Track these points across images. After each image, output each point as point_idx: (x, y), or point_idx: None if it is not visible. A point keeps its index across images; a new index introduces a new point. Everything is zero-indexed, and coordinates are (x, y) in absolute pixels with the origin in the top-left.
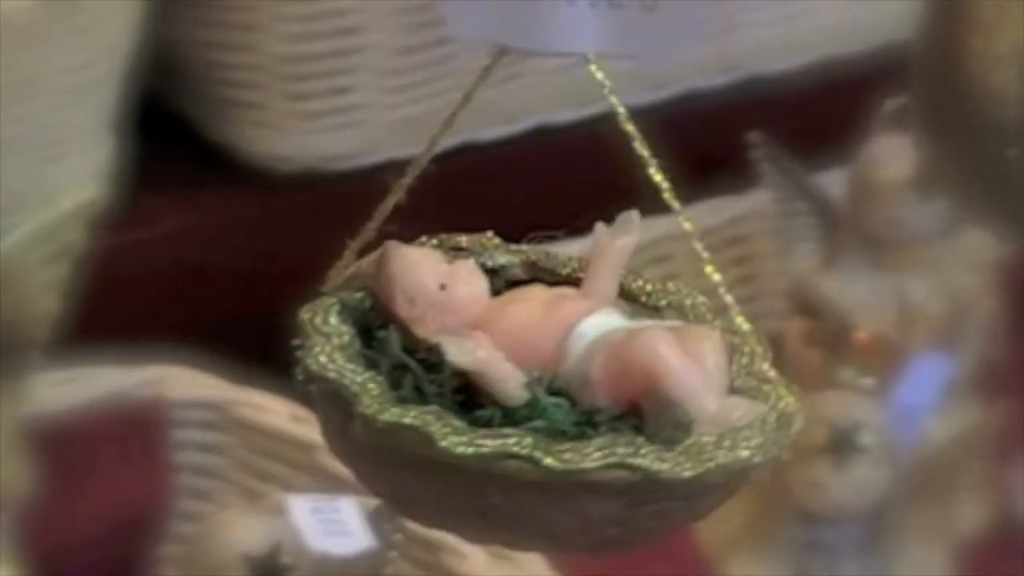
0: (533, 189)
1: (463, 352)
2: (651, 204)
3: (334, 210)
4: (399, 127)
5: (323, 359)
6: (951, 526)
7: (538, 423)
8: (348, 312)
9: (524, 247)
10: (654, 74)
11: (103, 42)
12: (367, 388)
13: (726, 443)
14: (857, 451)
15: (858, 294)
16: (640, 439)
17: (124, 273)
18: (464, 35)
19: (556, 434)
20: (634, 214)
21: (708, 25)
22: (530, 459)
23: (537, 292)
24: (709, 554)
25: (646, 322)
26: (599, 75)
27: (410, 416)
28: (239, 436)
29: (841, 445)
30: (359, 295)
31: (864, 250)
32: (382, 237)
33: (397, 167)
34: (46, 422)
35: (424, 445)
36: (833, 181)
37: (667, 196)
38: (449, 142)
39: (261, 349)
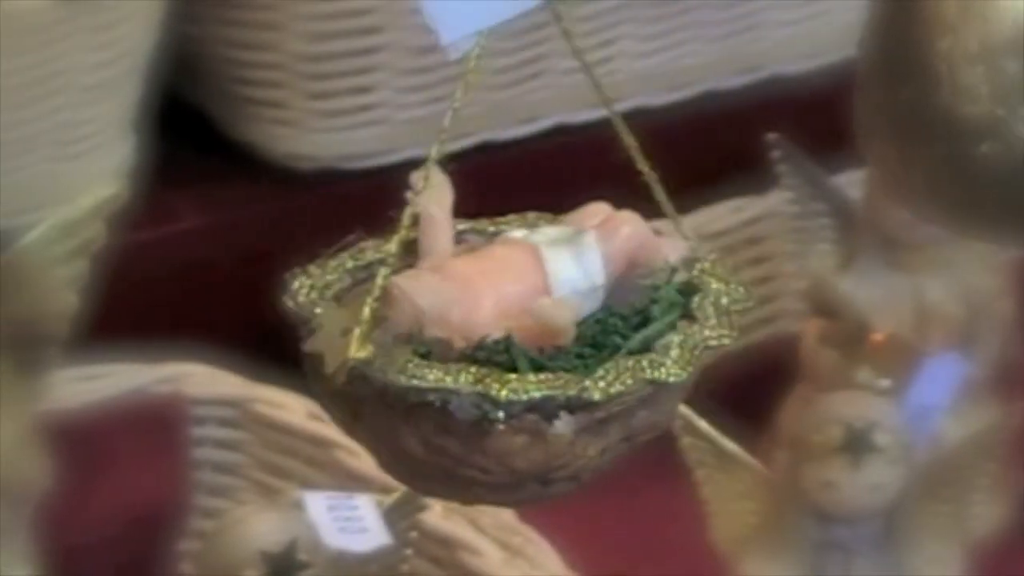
0: (551, 189)
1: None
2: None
3: (354, 208)
4: (419, 126)
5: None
6: (966, 526)
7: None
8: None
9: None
10: (674, 74)
11: (124, 40)
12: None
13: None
14: (872, 451)
15: (875, 295)
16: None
17: (144, 270)
18: (458, 39)
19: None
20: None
21: (728, 25)
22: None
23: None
24: (724, 552)
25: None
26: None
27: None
28: (257, 433)
29: (856, 445)
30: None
31: (881, 251)
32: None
33: (418, 166)
34: (65, 419)
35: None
36: (851, 182)
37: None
38: (467, 142)
39: (279, 347)
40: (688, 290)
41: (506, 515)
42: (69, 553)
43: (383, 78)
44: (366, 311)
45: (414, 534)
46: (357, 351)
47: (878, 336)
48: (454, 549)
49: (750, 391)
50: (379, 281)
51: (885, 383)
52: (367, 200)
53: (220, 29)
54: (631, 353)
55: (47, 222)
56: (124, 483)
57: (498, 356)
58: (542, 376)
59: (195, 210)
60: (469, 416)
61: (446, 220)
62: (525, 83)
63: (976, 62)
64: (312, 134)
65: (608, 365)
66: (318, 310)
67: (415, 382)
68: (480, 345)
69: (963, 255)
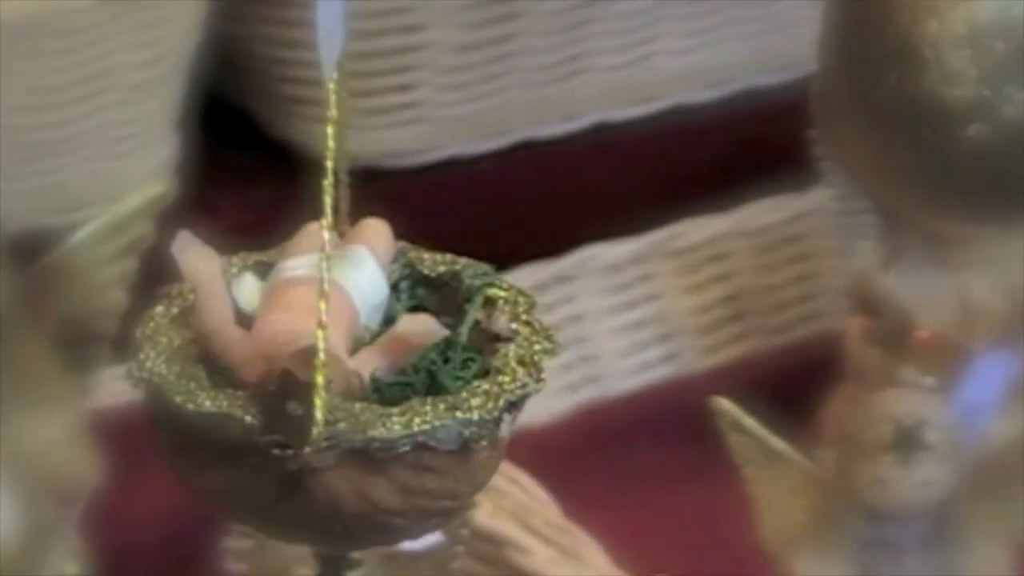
0: (590, 187)
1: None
2: (709, 202)
3: (396, 206)
4: (461, 124)
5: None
6: (1015, 524)
7: None
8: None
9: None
10: (714, 71)
11: (168, 40)
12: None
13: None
14: (922, 448)
15: (919, 292)
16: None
17: None
18: None
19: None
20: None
21: (768, 23)
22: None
23: None
24: (771, 551)
25: None
26: None
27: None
28: None
29: (906, 442)
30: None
31: (925, 248)
32: None
33: (459, 163)
34: (112, 416)
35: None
36: None
37: None
38: (507, 140)
39: None
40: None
41: (555, 514)
42: (116, 550)
43: (425, 76)
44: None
45: (464, 532)
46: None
47: (922, 334)
48: (502, 547)
49: (791, 389)
50: (320, 346)
51: (930, 381)
52: (409, 198)
53: (262, 28)
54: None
55: (97, 220)
56: (169, 480)
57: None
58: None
59: (237, 208)
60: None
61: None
62: (567, 81)
63: (963, 45)
64: (353, 132)
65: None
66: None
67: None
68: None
69: (1008, 251)
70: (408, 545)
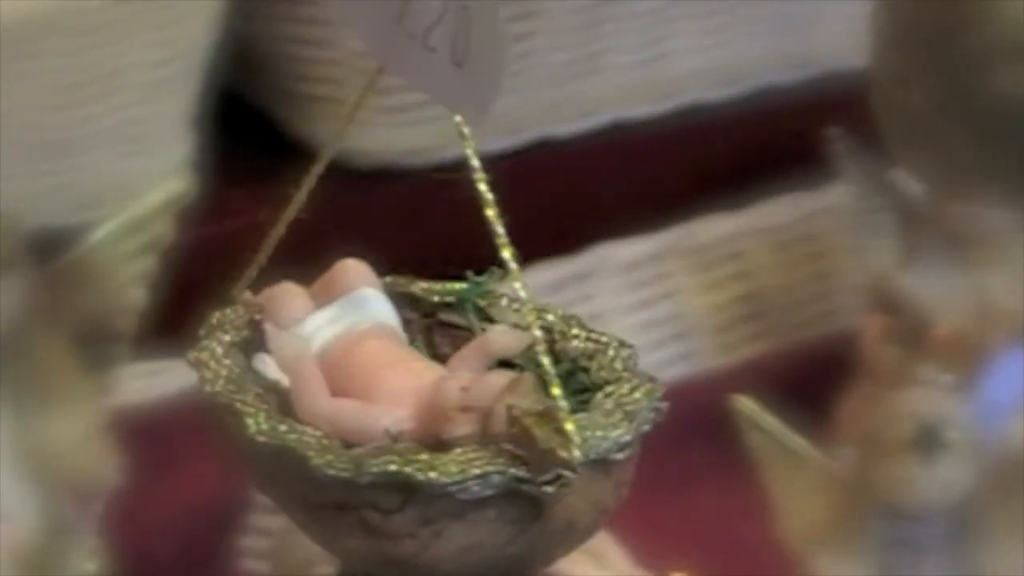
0: (606, 185)
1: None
2: (725, 200)
3: (413, 204)
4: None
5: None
6: None
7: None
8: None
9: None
10: (729, 69)
11: (184, 38)
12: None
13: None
14: (943, 447)
15: (937, 290)
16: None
17: (206, 266)
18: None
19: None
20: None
21: (784, 20)
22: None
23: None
24: (792, 550)
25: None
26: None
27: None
28: None
29: (927, 441)
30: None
31: (943, 246)
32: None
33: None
34: (131, 414)
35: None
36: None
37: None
38: (522, 138)
39: None
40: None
41: None
42: (135, 548)
43: None
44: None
45: None
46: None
47: (941, 332)
48: None
49: (807, 387)
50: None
51: (949, 379)
52: (427, 195)
53: (279, 26)
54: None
55: (115, 219)
56: (188, 479)
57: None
58: None
59: (255, 206)
60: None
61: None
62: (582, 80)
63: None
64: (371, 130)
65: None
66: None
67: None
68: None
69: None
70: None
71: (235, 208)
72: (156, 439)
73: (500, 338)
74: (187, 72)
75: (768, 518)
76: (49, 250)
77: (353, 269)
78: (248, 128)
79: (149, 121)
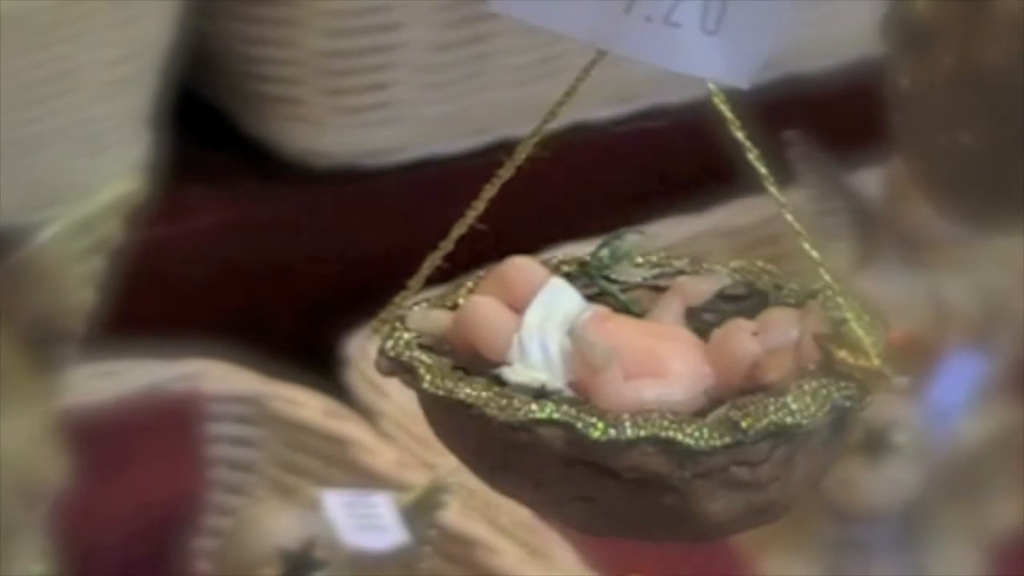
0: (567, 186)
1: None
2: (685, 202)
3: (372, 206)
4: (437, 123)
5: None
6: (984, 525)
7: None
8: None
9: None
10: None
11: (141, 37)
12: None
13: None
14: (890, 449)
15: (893, 293)
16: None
17: (161, 267)
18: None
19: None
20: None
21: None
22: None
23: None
24: (742, 551)
25: None
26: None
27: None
28: (274, 430)
29: (874, 443)
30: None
31: (899, 249)
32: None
33: (435, 163)
34: (82, 415)
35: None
36: (869, 180)
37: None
38: (483, 139)
39: (297, 344)
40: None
41: (524, 513)
42: (85, 551)
43: (401, 75)
44: None
45: (432, 532)
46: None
47: (896, 335)
48: (472, 548)
49: None
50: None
51: (903, 382)
52: (384, 197)
53: (237, 25)
54: None
55: (64, 218)
56: (140, 480)
57: None
58: None
59: (212, 206)
60: None
61: None
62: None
63: None
64: (329, 131)
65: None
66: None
67: None
68: None
69: (982, 254)
70: (374, 545)
71: (193, 207)
72: (107, 440)
73: (695, 284)
74: (144, 71)
75: None
76: (1, 249)
77: (528, 264)
78: (206, 127)
79: (106, 120)
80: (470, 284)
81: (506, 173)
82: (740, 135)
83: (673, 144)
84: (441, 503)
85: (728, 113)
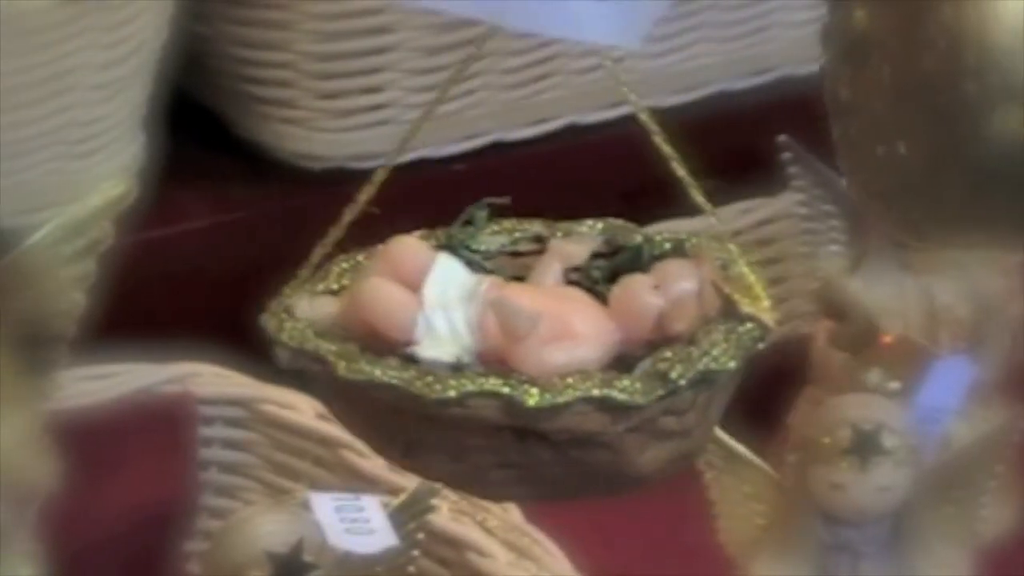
0: (561, 189)
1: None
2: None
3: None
4: (429, 126)
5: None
6: (974, 528)
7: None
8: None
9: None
10: (683, 76)
11: (134, 39)
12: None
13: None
14: (880, 453)
15: (885, 296)
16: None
17: (153, 269)
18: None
19: None
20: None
21: (739, 26)
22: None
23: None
24: (731, 554)
25: None
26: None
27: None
28: (265, 433)
29: (864, 447)
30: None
31: (891, 253)
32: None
33: (428, 165)
34: (73, 418)
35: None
36: None
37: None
38: (477, 142)
39: None
40: None
41: (514, 516)
42: (75, 553)
43: (393, 78)
44: None
45: (421, 535)
46: None
47: (888, 338)
48: (461, 550)
49: (760, 393)
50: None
51: (895, 385)
52: (376, 200)
53: (229, 28)
54: None
55: (54, 221)
56: (131, 483)
57: None
58: None
59: (204, 209)
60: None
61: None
62: (536, 83)
63: None
64: (321, 133)
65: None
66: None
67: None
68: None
69: (973, 257)
70: (363, 548)
71: (185, 209)
72: (97, 443)
73: (571, 246)
74: (137, 73)
75: (709, 522)
76: None
77: (414, 242)
78: (198, 130)
79: (98, 122)
80: (344, 266)
81: (366, 195)
82: (667, 149)
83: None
84: (430, 506)
85: (653, 126)
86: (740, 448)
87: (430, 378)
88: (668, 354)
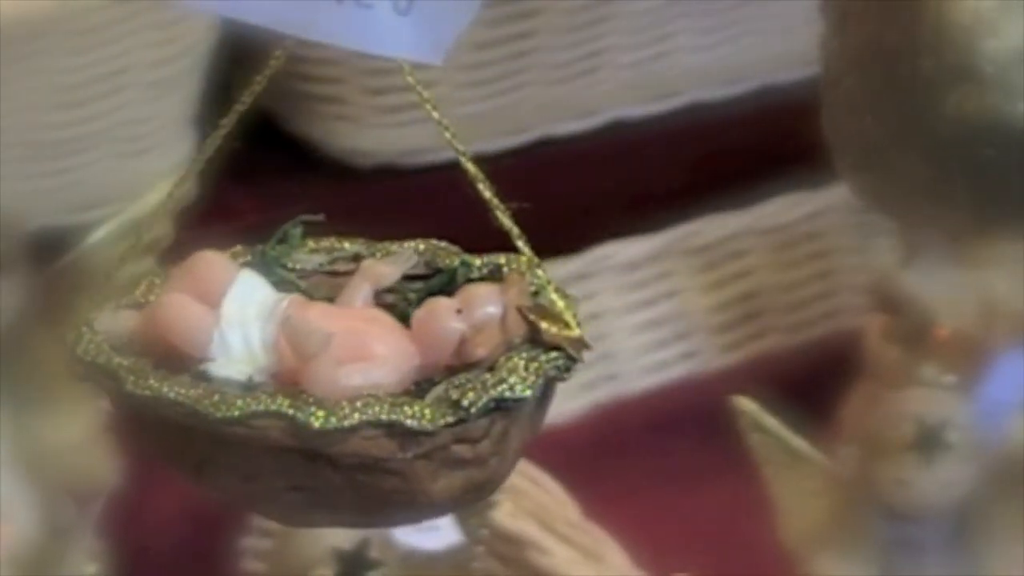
0: (607, 184)
1: None
2: (726, 199)
3: (412, 204)
4: (478, 121)
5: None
6: None
7: None
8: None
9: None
10: (731, 68)
11: (184, 37)
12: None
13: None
14: (944, 448)
15: (940, 290)
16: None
17: None
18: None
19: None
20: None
21: (785, 19)
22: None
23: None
24: (792, 550)
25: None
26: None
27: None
28: None
29: (928, 442)
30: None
31: (945, 245)
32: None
33: (476, 161)
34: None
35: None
36: None
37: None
38: (524, 137)
39: None
40: None
41: (574, 514)
42: (135, 550)
43: (442, 74)
44: None
45: (485, 532)
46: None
47: (943, 332)
48: (523, 548)
49: (810, 387)
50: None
51: (950, 379)
52: (425, 196)
53: None
54: None
55: (114, 220)
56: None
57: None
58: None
59: (254, 206)
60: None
61: None
62: (582, 78)
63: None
64: (371, 130)
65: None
66: None
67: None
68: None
69: None
70: (427, 545)
71: (236, 207)
72: None
73: (382, 267)
74: (188, 72)
75: (769, 518)
76: (49, 250)
77: (216, 257)
78: (249, 127)
79: (150, 120)
80: (154, 281)
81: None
82: (488, 193)
83: (712, 141)
84: (493, 504)
85: (473, 168)
86: (800, 443)
87: (217, 397)
88: (462, 380)
